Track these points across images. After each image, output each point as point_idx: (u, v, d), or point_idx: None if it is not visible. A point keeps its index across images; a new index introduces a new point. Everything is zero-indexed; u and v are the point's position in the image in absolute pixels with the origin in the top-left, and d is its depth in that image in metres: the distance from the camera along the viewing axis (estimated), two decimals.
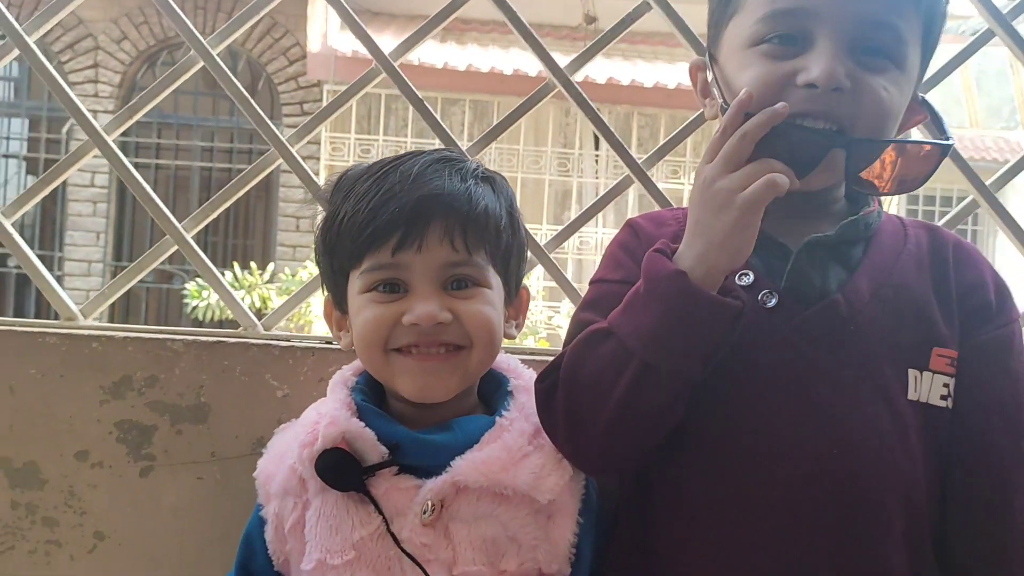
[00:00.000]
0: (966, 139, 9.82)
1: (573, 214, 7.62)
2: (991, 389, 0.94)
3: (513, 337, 1.04)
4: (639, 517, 0.97)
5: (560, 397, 0.92)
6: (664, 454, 0.92)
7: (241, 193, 1.39)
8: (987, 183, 1.38)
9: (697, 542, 0.91)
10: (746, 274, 0.93)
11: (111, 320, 7.24)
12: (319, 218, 1.05)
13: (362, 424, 0.94)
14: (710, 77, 0.99)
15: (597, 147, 7.93)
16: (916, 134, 1.07)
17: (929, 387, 0.92)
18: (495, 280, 0.99)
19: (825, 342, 0.91)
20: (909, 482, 0.90)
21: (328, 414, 0.96)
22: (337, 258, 0.99)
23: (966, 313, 0.95)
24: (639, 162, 1.38)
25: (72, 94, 1.38)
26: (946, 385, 0.93)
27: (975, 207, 1.40)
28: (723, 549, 0.90)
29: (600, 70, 6.95)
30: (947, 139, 0.93)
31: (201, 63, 1.36)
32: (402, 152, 1.04)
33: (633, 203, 7.37)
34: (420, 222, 0.93)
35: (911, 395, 0.91)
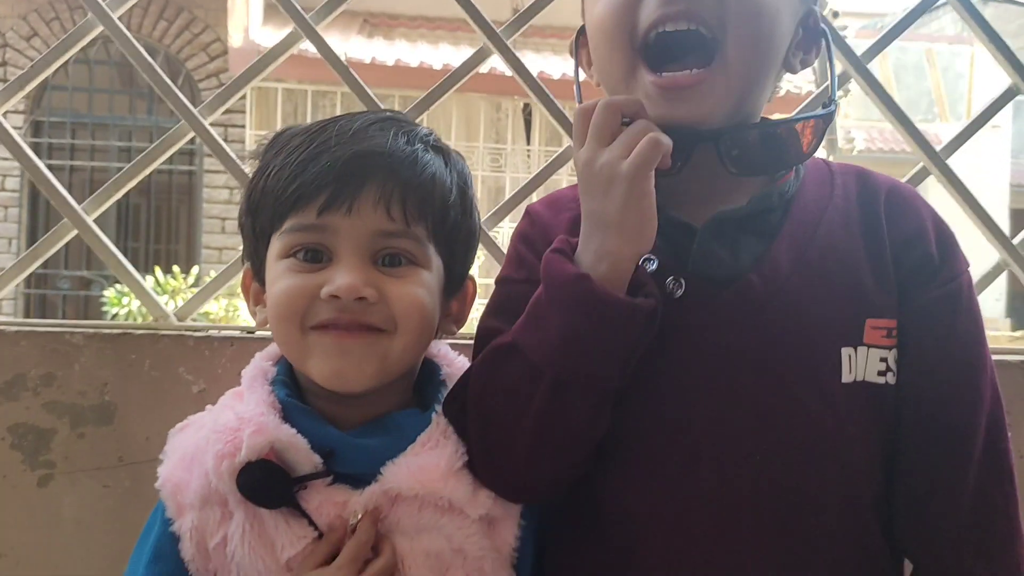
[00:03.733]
0: (886, 132, 10.08)
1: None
2: (938, 357, 0.83)
3: (452, 333, 0.93)
4: (573, 531, 0.87)
5: (471, 424, 0.83)
6: (591, 465, 0.84)
7: (148, 171, 1.26)
8: (937, 149, 1.34)
9: (637, 552, 0.82)
10: (650, 259, 0.83)
11: None
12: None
13: (293, 431, 0.81)
14: (572, 49, 0.94)
15: (528, 142, 7.90)
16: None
17: (865, 363, 0.82)
18: (435, 261, 0.86)
19: (742, 328, 0.81)
20: (848, 472, 0.81)
21: (252, 419, 0.81)
22: (259, 219, 0.86)
23: (905, 273, 0.84)
24: None
25: None
26: (884, 360, 0.82)
27: (926, 175, 1.36)
28: (664, 559, 0.81)
29: (530, 64, 6.91)
30: (831, 101, 0.85)
31: (100, 27, 1.24)
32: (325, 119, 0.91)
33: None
34: (353, 181, 0.81)
35: (845, 377, 0.81)
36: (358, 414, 0.86)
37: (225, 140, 6.55)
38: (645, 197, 0.76)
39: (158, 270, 6.41)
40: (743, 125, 0.84)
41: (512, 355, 0.80)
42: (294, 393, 0.87)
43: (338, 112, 7.44)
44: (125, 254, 1.24)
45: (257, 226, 0.87)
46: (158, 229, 7.89)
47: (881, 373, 0.82)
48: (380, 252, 0.83)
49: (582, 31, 0.93)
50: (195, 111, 1.24)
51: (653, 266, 0.83)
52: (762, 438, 0.80)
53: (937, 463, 0.82)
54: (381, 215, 0.82)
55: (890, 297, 0.84)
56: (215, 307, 6.34)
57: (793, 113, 1.13)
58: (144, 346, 1.13)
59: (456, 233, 0.88)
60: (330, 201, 0.81)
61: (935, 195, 1.19)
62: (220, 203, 7.44)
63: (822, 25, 0.89)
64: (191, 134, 1.25)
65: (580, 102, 0.85)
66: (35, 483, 1.12)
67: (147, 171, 1.26)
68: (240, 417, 0.83)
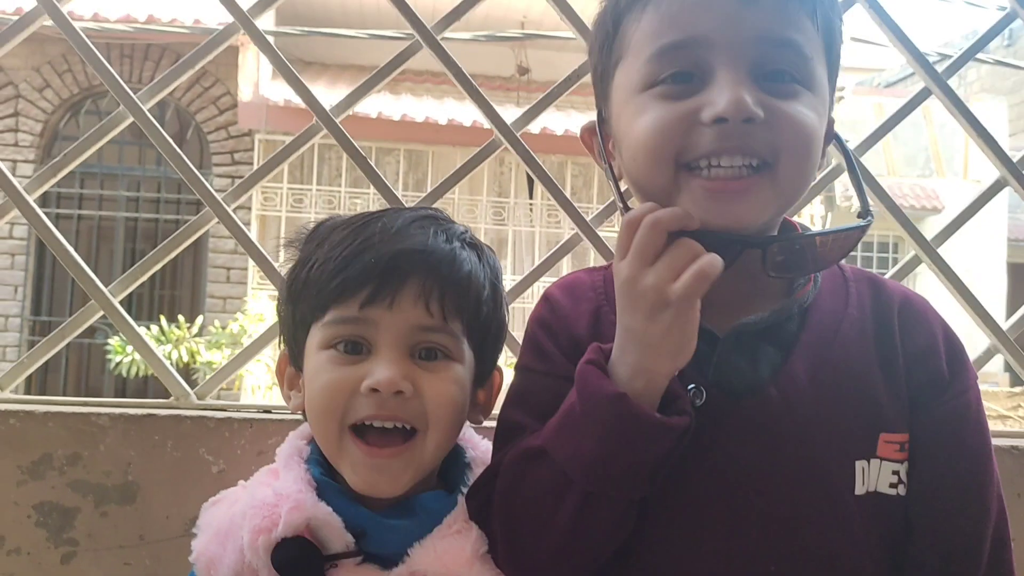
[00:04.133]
0: (884, 186, 10.18)
1: (509, 262, 7.63)
2: (947, 469, 0.84)
3: (479, 423, 0.95)
4: None
5: (497, 523, 0.85)
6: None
7: (174, 254, 1.31)
8: (929, 239, 1.40)
9: None
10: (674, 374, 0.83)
11: (28, 378, 6.93)
12: (288, 266, 0.96)
13: (329, 509, 0.85)
14: (598, 146, 0.90)
15: (531, 196, 7.99)
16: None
17: (877, 476, 0.83)
18: (468, 355, 0.90)
19: (759, 443, 0.82)
20: None
21: (291, 496, 0.85)
22: (300, 308, 0.90)
23: (916, 387, 0.86)
24: (587, 220, 1.36)
25: None
26: (896, 472, 0.84)
27: (917, 263, 1.42)
28: None
29: (534, 120, 7.02)
30: (867, 212, 0.86)
31: (131, 119, 1.30)
32: (365, 212, 0.95)
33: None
34: (395, 277, 0.85)
35: (858, 490, 0.82)
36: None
37: None
38: (690, 322, 0.75)
39: (163, 319, 6.46)
40: (792, 235, 0.85)
41: (542, 462, 0.81)
42: (327, 471, 0.90)
43: (343, 165, 7.54)
44: (130, 301, 1.29)
45: (297, 315, 0.91)
46: (163, 275, 7.95)
47: (893, 485, 0.84)
48: (418, 345, 0.87)
49: (601, 121, 0.91)
50: (220, 198, 1.29)
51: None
52: (775, 550, 0.81)
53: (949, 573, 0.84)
54: (421, 310, 0.86)
55: (902, 411, 0.85)
56: (218, 356, 6.39)
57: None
58: (167, 427, 1.17)
59: (488, 326, 0.92)
60: (373, 295, 0.85)
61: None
62: (226, 253, 7.51)
63: (836, 133, 0.91)
64: (215, 220, 1.31)
65: (623, 207, 0.87)
66: (59, 560, 1.15)
67: (173, 255, 1.31)
68: (278, 494, 0.86)
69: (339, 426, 0.87)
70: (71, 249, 1.28)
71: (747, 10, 0.79)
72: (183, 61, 1.34)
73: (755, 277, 0.84)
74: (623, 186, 0.90)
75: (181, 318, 6.52)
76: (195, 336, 6.51)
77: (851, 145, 1.38)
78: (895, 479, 0.84)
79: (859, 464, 0.83)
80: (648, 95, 0.82)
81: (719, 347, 0.84)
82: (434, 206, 1.29)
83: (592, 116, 0.94)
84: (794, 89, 0.81)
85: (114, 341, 6.38)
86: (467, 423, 0.97)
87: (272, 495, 0.86)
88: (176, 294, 8.14)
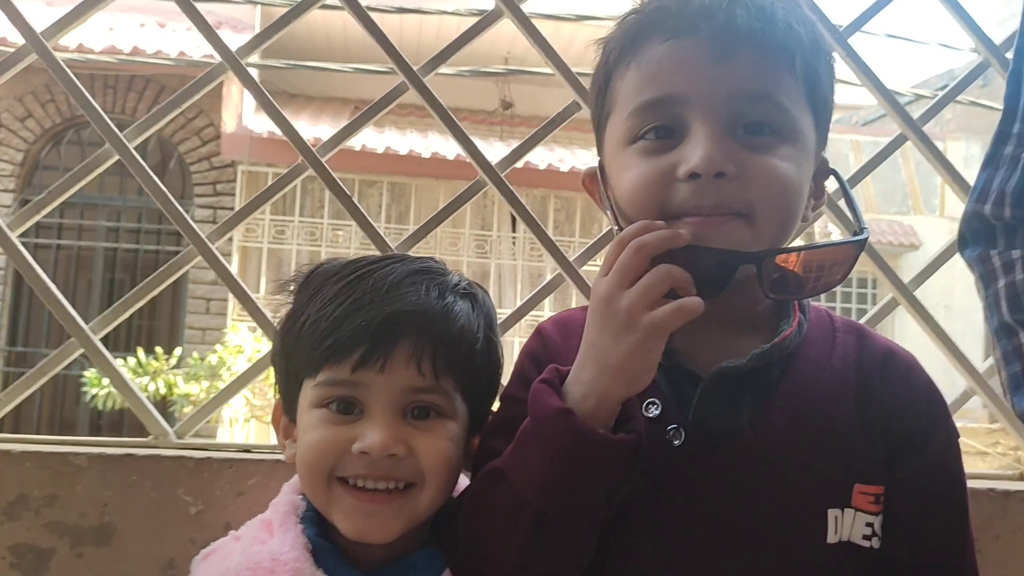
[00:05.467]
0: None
1: (492, 295, 7.62)
2: (921, 529, 0.85)
3: (471, 469, 0.95)
4: None
5: (460, 546, 0.86)
6: None
7: (156, 292, 1.31)
8: (906, 282, 1.42)
9: None
10: (654, 403, 0.85)
11: None
12: (282, 312, 0.96)
13: None
14: (600, 191, 0.93)
15: (514, 229, 8.02)
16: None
17: (851, 526, 0.83)
18: (461, 409, 0.90)
19: (734, 485, 0.83)
20: None
21: (287, 564, 0.84)
22: (293, 363, 0.91)
23: (894, 441, 0.86)
24: (571, 260, 1.37)
25: None
26: (870, 524, 0.84)
27: (895, 305, 1.44)
28: None
29: (538, 157, 7.11)
30: (862, 230, 0.86)
31: (116, 156, 1.30)
32: (370, 256, 0.96)
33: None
34: (387, 340, 0.85)
35: (831, 538, 0.83)
36: (380, 552, 0.89)
37: (214, 222, 6.59)
38: (653, 352, 0.77)
39: (140, 351, 6.40)
40: (785, 248, 0.85)
41: (500, 482, 0.82)
42: (322, 531, 0.90)
43: (326, 197, 7.54)
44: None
45: (291, 369, 0.91)
46: (142, 306, 7.88)
47: (867, 537, 0.84)
48: (410, 405, 0.87)
49: (601, 169, 0.94)
50: (204, 236, 1.29)
51: (656, 411, 0.85)
52: None
53: None
54: (412, 372, 0.86)
55: (879, 464, 0.86)
56: (196, 388, 6.33)
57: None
58: (145, 467, 1.16)
59: (481, 377, 0.93)
60: (364, 359, 0.85)
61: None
62: (206, 284, 7.47)
63: (832, 169, 0.93)
64: (198, 257, 1.31)
65: (618, 229, 0.88)
66: None
67: (155, 292, 1.31)
68: (274, 559, 0.85)
69: (327, 479, 0.87)
70: (52, 286, 1.28)
71: (721, 69, 0.82)
72: (170, 101, 1.35)
73: (743, 311, 0.87)
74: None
75: (159, 350, 6.46)
76: (173, 368, 6.45)
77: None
78: (869, 531, 0.84)
79: (832, 512, 0.83)
80: (631, 150, 0.86)
81: (700, 391, 0.84)
82: (429, 246, 1.29)
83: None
84: (770, 142, 0.83)
85: (89, 373, 6.31)
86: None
87: (268, 559, 0.86)
88: (155, 324, 8.07)
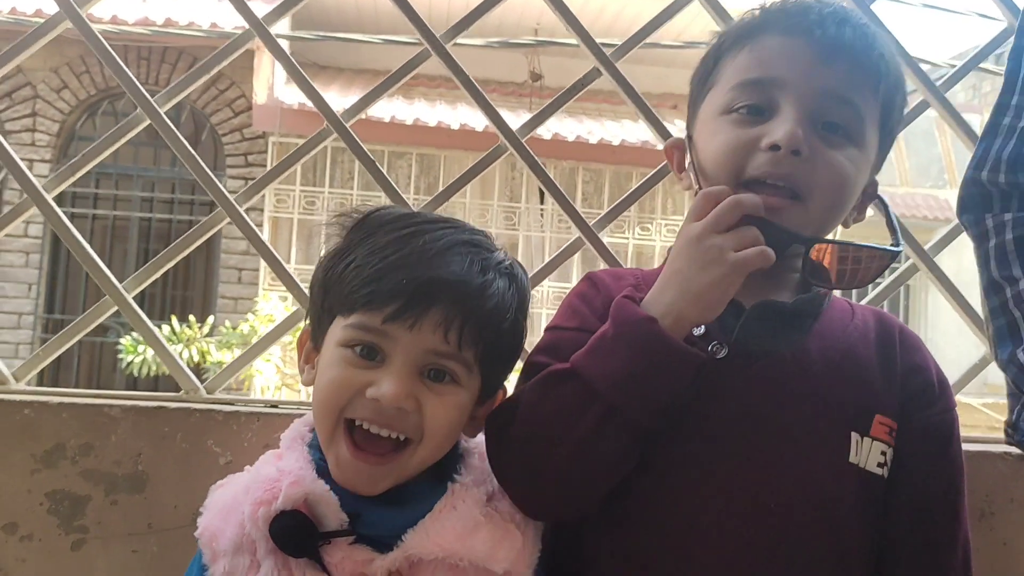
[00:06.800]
0: (897, 197, 10.18)
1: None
2: (931, 472, 0.97)
3: (471, 436, 0.99)
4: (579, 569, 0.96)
5: (515, 434, 0.91)
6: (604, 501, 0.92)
7: (186, 253, 1.35)
8: (925, 247, 1.42)
9: None
10: (698, 325, 0.94)
11: (41, 375, 7.00)
12: (327, 243, 0.99)
13: (327, 487, 0.89)
14: (687, 160, 1.04)
15: (542, 201, 8.02)
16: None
17: (868, 453, 0.94)
18: (475, 379, 0.94)
19: (772, 396, 0.93)
20: (844, 547, 0.92)
21: (292, 472, 0.90)
22: (330, 298, 0.94)
23: (909, 394, 0.98)
24: (590, 225, 1.39)
25: (9, 148, 1.33)
26: (884, 453, 0.95)
27: (915, 271, 1.44)
28: None
29: (546, 126, 7.05)
30: (897, 243, 0.97)
31: (147, 121, 1.34)
32: (426, 214, 1.00)
33: (577, 258, 7.44)
34: (422, 303, 0.88)
35: (852, 458, 0.93)
36: None
37: None
38: (733, 285, 0.87)
39: (174, 319, 6.52)
40: (832, 239, 0.95)
41: (570, 378, 0.89)
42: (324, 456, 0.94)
43: (356, 168, 7.57)
44: (143, 300, 1.32)
45: (326, 302, 0.95)
46: (175, 276, 8.02)
47: (880, 465, 0.95)
48: (428, 366, 0.91)
49: (689, 140, 1.05)
50: (232, 199, 1.33)
51: (700, 331, 0.94)
52: (776, 489, 0.90)
53: (923, 564, 0.95)
54: (439, 337, 0.89)
55: (895, 405, 0.97)
56: (228, 356, 6.44)
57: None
58: (177, 420, 1.21)
59: (502, 354, 0.96)
60: (397, 314, 0.88)
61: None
62: (238, 254, 7.57)
63: (880, 195, 1.04)
64: (227, 220, 1.34)
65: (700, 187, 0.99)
66: (69, 547, 1.18)
67: (185, 252, 1.35)
68: (281, 471, 0.91)
69: (336, 418, 0.91)
70: (87, 246, 1.32)
71: (822, 67, 0.95)
72: (199, 66, 1.38)
73: (780, 281, 0.99)
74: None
75: (192, 318, 6.57)
76: (206, 336, 6.57)
77: None
78: (882, 459, 0.95)
79: (854, 435, 0.94)
80: (725, 119, 0.98)
81: (746, 315, 0.95)
82: (443, 210, 1.32)
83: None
84: (842, 142, 0.95)
85: (125, 340, 6.45)
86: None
87: (275, 471, 0.91)
88: (188, 295, 8.20)
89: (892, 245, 0.97)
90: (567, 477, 0.90)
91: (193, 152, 1.34)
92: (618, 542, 0.93)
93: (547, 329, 1.03)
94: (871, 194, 1.03)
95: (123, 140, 1.35)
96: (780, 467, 0.91)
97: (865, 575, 0.94)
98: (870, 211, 1.07)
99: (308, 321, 1.01)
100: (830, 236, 1.00)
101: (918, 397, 0.98)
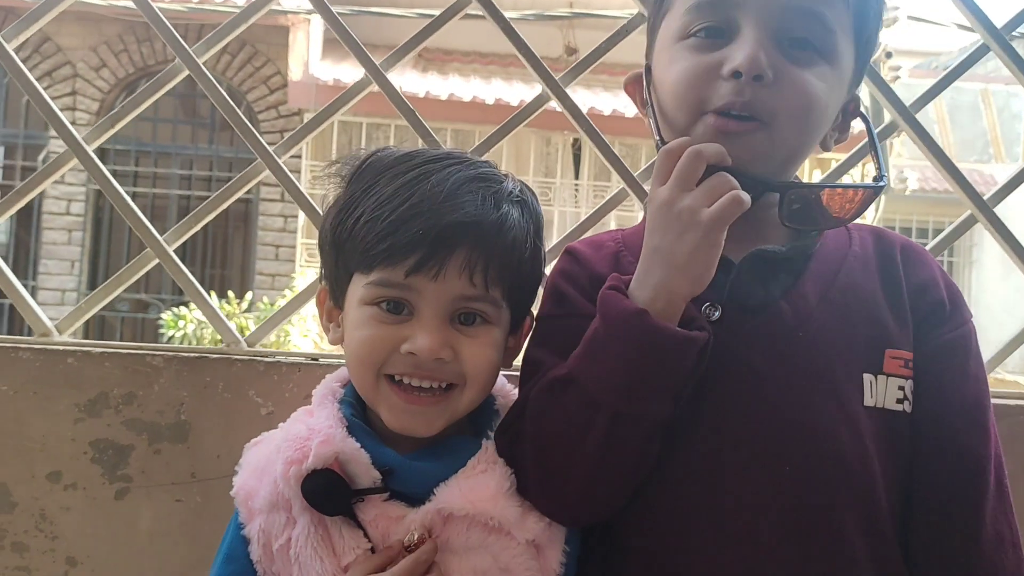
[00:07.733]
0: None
1: (553, 242, 7.62)
2: (953, 392, 0.90)
3: (508, 367, 0.97)
4: (599, 545, 0.92)
5: (527, 454, 0.87)
6: None
7: (225, 205, 1.34)
8: (985, 197, 1.37)
9: (662, 566, 0.87)
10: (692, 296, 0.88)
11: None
12: (330, 197, 0.96)
13: (358, 445, 0.87)
14: (644, 94, 0.96)
15: (577, 176, 7.97)
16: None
17: (884, 391, 0.88)
18: (504, 314, 0.92)
19: (773, 352, 0.88)
20: (868, 495, 0.86)
21: (321, 431, 0.88)
22: (344, 257, 0.91)
23: (920, 315, 0.92)
24: (635, 174, 1.36)
25: (50, 100, 1.33)
26: (901, 388, 0.89)
27: (973, 222, 1.39)
28: (682, 563, 0.86)
29: (581, 100, 6.99)
30: (881, 177, 0.91)
31: (186, 71, 1.33)
32: (426, 152, 0.94)
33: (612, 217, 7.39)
34: (443, 250, 0.85)
35: (867, 401, 0.87)
36: (415, 438, 0.91)
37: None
38: (715, 246, 0.81)
39: (213, 295, 6.58)
40: (809, 183, 0.90)
41: (569, 389, 0.85)
42: (359, 413, 0.93)
43: (391, 143, 7.56)
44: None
45: (341, 261, 0.91)
46: (214, 254, 8.10)
47: (899, 401, 0.89)
48: (458, 311, 0.88)
49: (647, 72, 0.97)
50: (271, 150, 1.32)
51: None
52: (790, 452, 0.85)
53: (955, 495, 0.88)
54: (464, 281, 0.86)
55: (907, 333, 0.91)
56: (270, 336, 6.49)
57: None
58: (219, 369, 1.20)
59: (526, 283, 0.94)
60: (418, 265, 0.85)
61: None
62: (274, 231, 7.62)
63: (861, 111, 0.96)
64: (266, 171, 1.33)
65: (659, 139, 0.92)
66: (113, 496, 1.19)
67: (225, 205, 1.34)
68: (311, 428, 0.89)
69: (375, 375, 0.89)
70: (128, 198, 1.32)
71: None
72: (236, 16, 1.37)
73: (765, 224, 0.91)
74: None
75: (231, 295, 6.63)
76: (244, 312, 6.63)
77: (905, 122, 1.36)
78: (901, 395, 0.89)
79: (867, 377, 0.88)
80: (682, 45, 0.90)
81: (735, 269, 0.90)
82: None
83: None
84: (810, 58, 0.88)
85: (167, 316, 6.52)
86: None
87: (305, 430, 0.90)
88: (226, 273, 8.28)
89: (875, 178, 0.91)
90: (590, 489, 0.86)
91: (228, 99, 1.32)
92: (636, 523, 0.89)
93: (537, 318, 0.98)
94: (853, 111, 0.96)
95: (163, 91, 1.34)
96: (791, 428, 0.85)
97: (894, 521, 0.87)
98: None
99: (323, 281, 0.98)
100: (806, 177, 0.93)
101: (929, 318, 0.92)
